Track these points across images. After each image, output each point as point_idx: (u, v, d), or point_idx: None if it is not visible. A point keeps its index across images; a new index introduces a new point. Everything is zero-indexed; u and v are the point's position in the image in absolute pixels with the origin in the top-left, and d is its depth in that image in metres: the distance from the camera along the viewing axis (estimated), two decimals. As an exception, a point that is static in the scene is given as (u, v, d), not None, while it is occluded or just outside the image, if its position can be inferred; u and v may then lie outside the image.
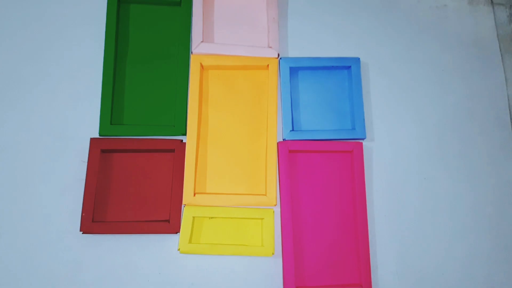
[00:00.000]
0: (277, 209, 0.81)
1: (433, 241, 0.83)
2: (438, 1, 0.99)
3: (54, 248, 0.76)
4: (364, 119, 0.85)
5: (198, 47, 0.84)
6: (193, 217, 0.77)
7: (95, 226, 0.75)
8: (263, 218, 0.78)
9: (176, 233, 0.77)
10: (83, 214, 0.75)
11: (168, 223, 0.76)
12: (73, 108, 0.82)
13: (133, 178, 0.80)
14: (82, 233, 0.75)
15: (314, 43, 0.91)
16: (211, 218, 0.79)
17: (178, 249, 0.76)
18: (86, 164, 0.78)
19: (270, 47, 0.86)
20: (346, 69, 0.89)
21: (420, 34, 0.95)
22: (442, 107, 0.91)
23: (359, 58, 0.88)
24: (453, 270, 0.82)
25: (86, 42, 0.86)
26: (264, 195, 0.80)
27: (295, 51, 0.90)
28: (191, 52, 0.85)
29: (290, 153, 0.83)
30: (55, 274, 0.75)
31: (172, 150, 0.80)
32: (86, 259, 0.76)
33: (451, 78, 0.93)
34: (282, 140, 0.84)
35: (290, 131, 0.83)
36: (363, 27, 0.94)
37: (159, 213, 0.78)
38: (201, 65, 0.84)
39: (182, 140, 0.81)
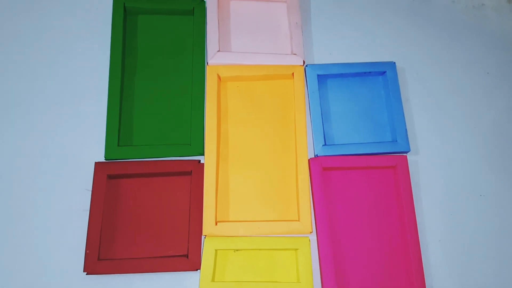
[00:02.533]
0: (313, 237, 0.69)
1: (499, 269, 0.70)
2: (475, 0, 0.90)
3: (54, 293, 0.64)
4: (406, 130, 0.74)
5: (214, 57, 0.75)
6: (216, 250, 0.66)
7: (101, 265, 0.64)
8: (297, 249, 0.67)
9: (196, 270, 0.65)
10: (87, 252, 0.64)
11: (187, 258, 0.65)
12: (75, 128, 0.73)
13: (144, 207, 0.69)
14: (86, 274, 0.64)
15: (341, 48, 0.82)
16: (237, 250, 0.68)
17: (200, 289, 0.64)
18: (90, 192, 0.68)
19: (295, 54, 0.77)
20: (380, 75, 0.79)
21: (458, 35, 0.86)
22: (493, 113, 0.80)
23: (394, 63, 0.78)
24: (527, 304, 0.69)
25: (90, 56, 0.78)
26: (297, 220, 0.69)
27: (321, 58, 0.81)
28: (207, 63, 0.76)
29: (324, 171, 0.72)
30: (55, 325, 0.63)
31: (189, 173, 0.70)
32: (92, 305, 0.64)
33: (498, 82, 0.83)
34: (313, 156, 0.73)
35: (323, 145, 0.73)
36: (395, 29, 0.85)
37: (175, 247, 0.67)
38: (218, 77, 0.75)
39: (200, 161, 0.71)
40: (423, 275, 0.67)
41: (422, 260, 0.68)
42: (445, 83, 0.81)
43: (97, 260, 0.64)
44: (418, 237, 0.69)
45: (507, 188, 0.75)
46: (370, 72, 0.78)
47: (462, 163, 0.76)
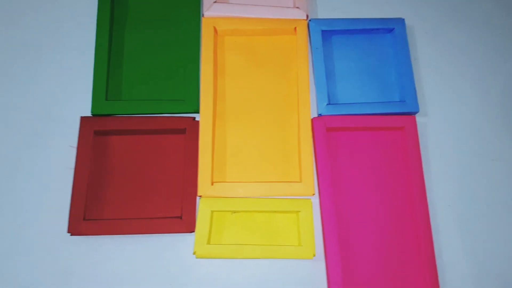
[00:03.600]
0: (316, 200, 0.65)
1: (510, 235, 0.66)
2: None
3: (36, 255, 0.60)
4: (415, 89, 0.70)
5: (211, 9, 0.70)
6: (212, 211, 0.62)
7: (87, 226, 0.59)
8: (299, 211, 0.63)
9: (191, 232, 0.61)
10: (72, 211, 0.59)
11: (180, 219, 0.61)
12: (60, 81, 0.68)
13: (135, 165, 0.64)
14: (71, 235, 0.59)
15: (347, 3, 0.77)
16: (234, 212, 0.63)
17: (194, 253, 0.60)
18: (75, 149, 0.63)
19: (297, 8, 0.72)
20: (388, 32, 0.74)
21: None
22: (506, 75, 0.75)
23: (403, 19, 0.73)
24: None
25: (77, 4, 0.72)
26: (299, 182, 0.64)
27: (325, 13, 0.76)
28: (202, 15, 0.70)
29: (327, 131, 0.67)
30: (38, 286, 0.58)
31: (183, 131, 0.65)
32: (77, 268, 0.60)
33: (511, 43, 0.78)
34: (317, 116, 0.69)
35: (327, 105, 0.68)
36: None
37: (168, 208, 0.63)
38: (215, 30, 0.70)
39: (194, 118, 0.66)
40: (432, 240, 0.63)
41: (431, 225, 0.64)
42: (456, 42, 0.77)
43: (83, 220, 0.59)
44: (426, 201, 0.65)
45: (520, 153, 0.71)
46: (377, 28, 0.74)
47: (473, 125, 0.72)
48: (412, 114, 0.70)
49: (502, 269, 0.65)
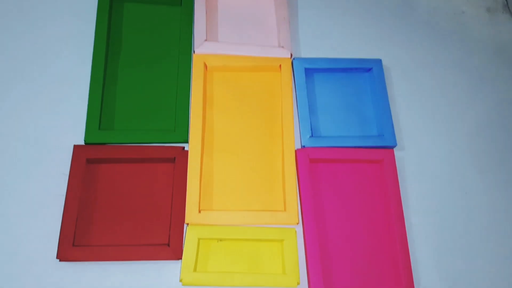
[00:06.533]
0: (299, 229, 0.67)
1: (486, 266, 0.70)
2: (455, 8, 0.92)
3: (25, 280, 0.60)
4: (392, 125, 0.74)
5: (201, 46, 0.74)
6: (198, 239, 0.63)
7: (76, 252, 0.60)
8: (283, 240, 0.65)
9: (178, 259, 0.62)
10: (62, 237, 0.60)
11: (168, 247, 0.62)
12: (55, 110, 0.70)
13: (124, 193, 0.66)
14: (60, 261, 0.60)
15: (328, 44, 0.83)
16: (220, 240, 0.65)
17: (180, 280, 0.61)
18: (67, 176, 0.64)
19: (282, 47, 0.76)
20: (366, 71, 0.80)
21: (441, 39, 0.88)
22: (474, 114, 0.81)
23: (380, 60, 0.79)
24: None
25: (74, 38, 0.76)
26: (283, 211, 0.66)
27: (308, 52, 0.81)
28: (193, 52, 0.74)
29: (311, 162, 0.71)
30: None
31: (172, 160, 0.67)
32: (64, 295, 0.60)
33: (479, 85, 0.84)
34: (300, 147, 0.72)
35: (310, 137, 0.72)
36: (380, 30, 0.86)
37: (156, 235, 0.64)
38: (205, 66, 0.74)
39: (184, 148, 0.68)
40: (411, 270, 0.65)
41: (410, 255, 0.67)
42: (428, 84, 0.82)
43: (72, 246, 0.60)
44: (405, 231, 0.68)
45: (490, 187, 0.75)
46: (356, 68, 0.79)
47: (447, 160, 0.76)
48: (390, 148, 0.74)
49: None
